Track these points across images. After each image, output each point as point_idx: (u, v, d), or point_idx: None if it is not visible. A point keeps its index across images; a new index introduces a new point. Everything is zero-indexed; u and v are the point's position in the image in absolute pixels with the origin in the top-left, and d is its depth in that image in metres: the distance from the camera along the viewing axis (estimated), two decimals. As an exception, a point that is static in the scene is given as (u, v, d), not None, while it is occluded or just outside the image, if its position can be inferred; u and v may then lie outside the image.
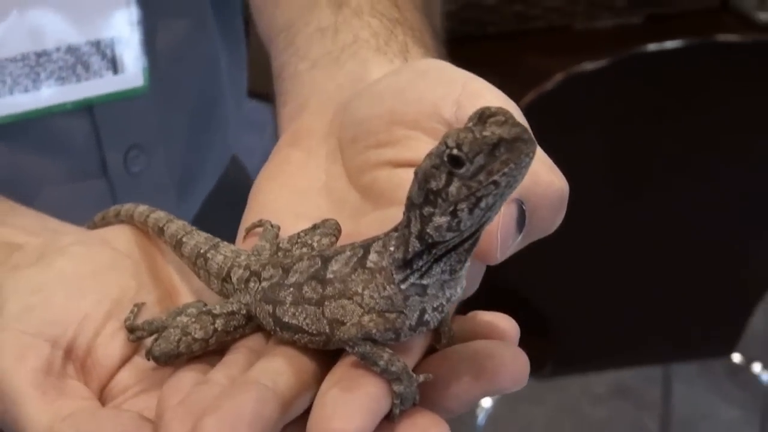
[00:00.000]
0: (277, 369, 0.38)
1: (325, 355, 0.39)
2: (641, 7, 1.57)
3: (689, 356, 1.57)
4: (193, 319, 0.42)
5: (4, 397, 0.42)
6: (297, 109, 0.52)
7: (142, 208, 0.49)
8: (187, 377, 0.40)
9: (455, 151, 0.35)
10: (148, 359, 0.43)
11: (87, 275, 0.46)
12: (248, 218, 0.48)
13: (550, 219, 0.40)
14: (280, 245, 0.44)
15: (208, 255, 0.44)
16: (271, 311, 0.40)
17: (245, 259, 0.44)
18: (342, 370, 0.37)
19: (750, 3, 1.53)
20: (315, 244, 0.43)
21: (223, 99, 0.79)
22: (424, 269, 0.37)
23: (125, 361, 0.44)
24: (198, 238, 0.46)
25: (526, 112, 0.41)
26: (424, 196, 0.36)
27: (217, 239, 0.46)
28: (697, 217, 1.28)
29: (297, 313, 0.39)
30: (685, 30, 1.46)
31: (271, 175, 0.49)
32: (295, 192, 0.48)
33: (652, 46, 1.16)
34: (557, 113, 1.15)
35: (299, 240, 0.44)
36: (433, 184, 0.36)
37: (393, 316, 0.37)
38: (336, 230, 0.43)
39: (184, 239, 0.46)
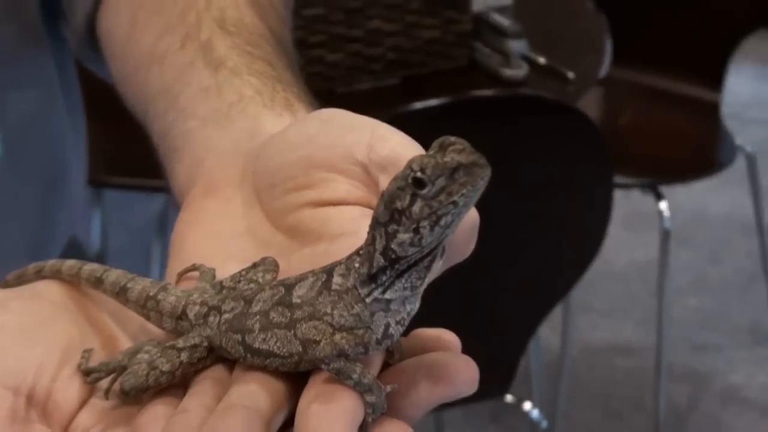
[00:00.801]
0: (254, 391, 0.41)
1: (293, 377, 0.43)
2: (397, 69, 1.65)
3: (467, 399, 1.62)
4: (159, 354, 0.44)
5: None
6: (193, 165, 0.55)
7: (71, 262, 0.50)
8: (159, 409, 0.43)
9: (419, 174, 0.39)
10: (107, 398, 0.45)
11: (32, 327, 0.47)
12: (174, 266, 0.50)
13: (465, 245, 0.44)
14: (224, 284, 0.47)
15: (159, 297, 0.47)
16: (240, 339, 0.43)
17: (198, 296, 0.46)
18: (317, 386, 0.41)
19: (495, 61, 1.65)
20: (260, 280, 0.46)
21: (69, 175, 0.81)
22: (387, 284, 0.41)
23: (83, 403, 0.46)
24: (143, 283, 0.48)
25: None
26: (389, 215, 0.40)
27: (163, 281, 0.48)
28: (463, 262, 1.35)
29: (267, 338, 0.42)
30: (439, 88, 1.55)
31: (191, 223, 0.52)
32: (218, 237, 0.50)
33: (417, 104, 1.23)
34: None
35: (243, 278, 0.47)
36: (398, 204, 0.40)
37: (361, 332, 0.41)
38: (275, 266, 0.46)
39: (128, 285, 0.48)
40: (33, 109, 0.76)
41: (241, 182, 0.52)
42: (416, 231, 0.40)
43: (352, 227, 0.47)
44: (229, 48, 0.60)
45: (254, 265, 0.47)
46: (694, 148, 2.12)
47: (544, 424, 1.63)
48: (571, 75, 1.63)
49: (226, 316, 0.44)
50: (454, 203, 0.39)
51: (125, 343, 0.49)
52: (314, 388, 0.41)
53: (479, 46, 1.70)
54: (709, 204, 2.76)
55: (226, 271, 0.48)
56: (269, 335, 0.43)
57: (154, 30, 0.64)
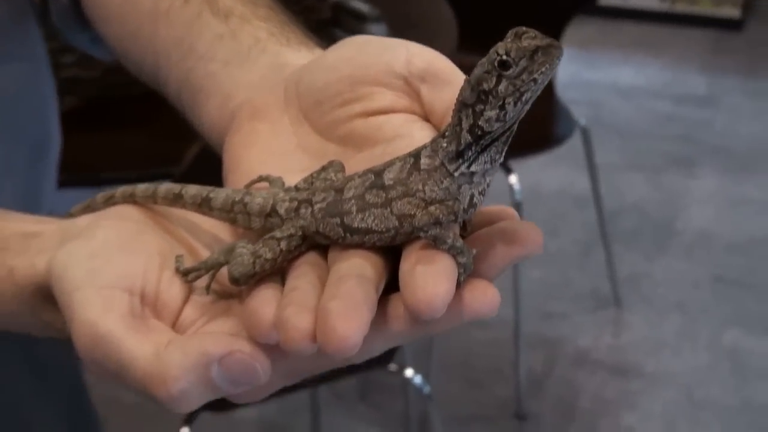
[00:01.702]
0: (359, 264, 0.46)
1: (385, 252, 0.48)
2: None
3: (345, 372, 1.65)
4: (261, 245, 0.49)
5: (101, 343, 0.45)
6: (223, 100, 0.60)
7: (144, 185, 0.54)
8: (267, 293, 0.47)
9: (504, 57, 0.45)
10: (207, 293, 0.50)
11: (128, 239, 0.51)
12: (234, 181, 0.55)
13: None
14: (298, 186, 0.52)
15: (246, 200, 0.52)
16: (339, 222, 0.48)
17: (284, 195, 0.51)
18: (415, 252, 0.46)
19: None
20: (333, 178, 0.51)
21: (51, 145, 0.84)
22: (472, 158, 0.47)
23: (186, 301, 0.50)
24: (225, 192, 0.53)
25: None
26: (476, 96, 0.46)
27: (243, 189, 0.53)
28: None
29: (365, 217, 0.48)
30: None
31: (244, 144, 0.56)
32: (274, 154, 0.55)
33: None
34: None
35: (315, 179, 0.52)
36: (485, 85, 0.46)
37: (451, 202, 0.47)
38: (342, 167, 0.52)
39: (210, 195, 0.53)
40: (22, 80, 0.78)
41: (286, 105, 0.56)
42: (502, 107, 0.46)
43: (403, 130, 0.52)
44: (232, 0, 0.65)
45: (323, 168, 0.52)
46: (535, 123, 2.21)
47: (427, 389, 1.67)
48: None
49: (319, 205, 0.49)
50: (535, 80, 0.46)
51: (204, 252, 0.53)
52: (413, 254, 0.46)
53: (339, 32, 1.73)
54: (543, 180, 2.89)
55: (288, 181, 0.53)
56: (367, 214, 0.48)
57: None
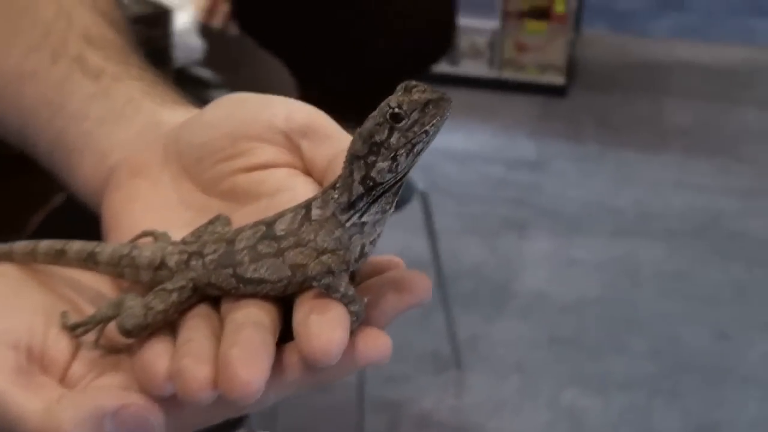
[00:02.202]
0: (254, 312, 0.47)
1: (276, 302, 0.49)
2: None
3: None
4: (152, 297, 0.49)
5: None
6: (99, 159, 0.60)
7: (22, 243, 0.53)
8: (159, 345, 0.47)
9: (397, 110, 0.47)
10: (96, 347, 0.50)
11: (8, 297, 0.50)
12: (116, 239, 0.55)
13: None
14: (185, 240, 0.52)
15: (133, 253, 0.52)
16: (232, 273, 0.49)
17: (173, 248, 0.51)
18: (308, 302, 0.47)
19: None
20: (221, 231, 0.52)
21: None
22: (363, 209, 0.49)
23: (73, 356, 0.49)
24: (112, 246, 0.53)
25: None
26: (368, 148, 0.48)
27: (129, 244, 0.53)
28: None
29: (258, 268, 0.49)
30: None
31: (125, 200, 0.56)
32: (156, 209, 0.55)
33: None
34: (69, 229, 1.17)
35: (203, 232, 0.52)
36: (377, 137, 0.47)
37: (342, 252, 0.48)
38: (229, 221, 0.53)
39: (96, 250, 0.53)
40: None
41: (166, 162, 0.57)
42: (394, 159, 0.47)
43: (286, 184, 0.54)
44: (104, 59, 0.65)
45: (210, 222, 0.53)
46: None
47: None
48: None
49: (210, 257, 0.50)
50: (426, 132, 0.47)
51: (87, 308, 0.53)
52: (306, 303, 0.47)
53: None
54: (380, 245, 2.90)
55: (173, 236, 0.53)
56: (260, 264, 0.49)
57: (16, 51, 0.67)
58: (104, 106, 0.62)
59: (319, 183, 0.54)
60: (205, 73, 1.75)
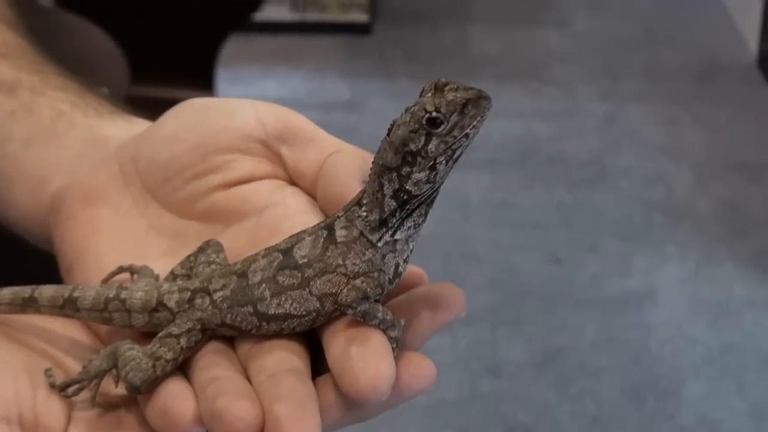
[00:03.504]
0: (285, 357, 0.42)
1: (302, 337, 0.44)
2: None
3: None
4: (157, 344, 0.44)
5: None
6: (34, 184, 0.52)
7: None
8: (176, 386, 0.42)
9: (434, 114, 0.42)
10: (93, 406, 0.44)
11: None
12: (82, 278, 0.47)
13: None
14: (175, 273, 0.46)
15: (122, 295, 0.45)
16: (252, 311, 0.44)
17: (169, 285, 0.45)
18: (342, 332, 0.42)
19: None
20: (217, 260, 0.46)
21: None
22: (396, 225, 0.44)
23: (68, 420, 0.44)
24: (95, 288, 0.46)
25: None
26: (401, 158, 0.42)
27: (114, 284, 0.46)
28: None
29: (282, 302, 0.43)
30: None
31: (85, 233, 0.49)
32: (124, 240, 0.48)
33: None
34: None
35: (194, 263, 0.46)
36: (412, 146, 0.42)
37: (376, 274, 0.43)
38: (221, 247, 0.46)
39: (75, 294, 0.45)
40: None
41: (125, 185, 0.50)
42: (432, 168, 0.43)
43: (274, 198, 0.48)
44: (15, 69, 0.57)
45: (200, 250, 0.47)
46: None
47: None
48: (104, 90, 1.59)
49: (220, 294, 0.44)
50: (467, 135, 0.43)
51: (66, 360, 0.47)
52: (340, 335, 0.42)
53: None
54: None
55: (153, 270, 0.47)
56: (284, 298, 0.44)
57: None
58: (28, 124, 0.54)
59: (309, 193, 0.48)
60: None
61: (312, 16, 4.00)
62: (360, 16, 3.99)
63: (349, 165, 0.48)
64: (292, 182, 0.50)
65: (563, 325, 2.39)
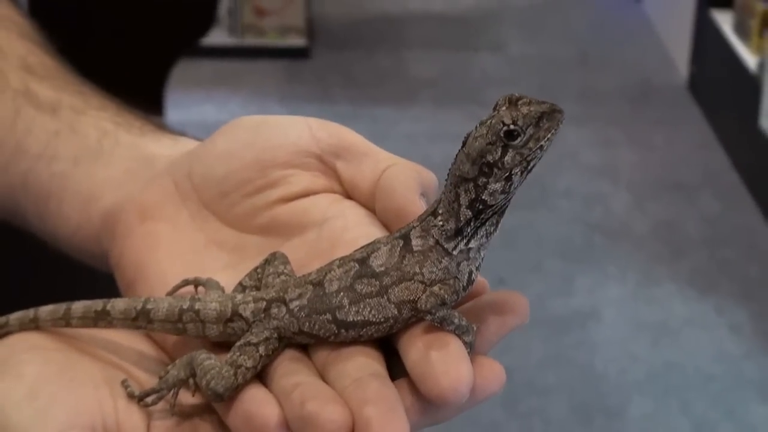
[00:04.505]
0: (365, 362, 0.44)
1: (376, 344, 0.46)
2: None
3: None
4: (238, 352, 0.45)
5: None
6: (83, 201, 0.53)
7: (49, 307, 0.46)
8: (257, 392, 0.43)
9: (512, 126, 0.44)
10: (172, 414, 0.45)
11: (65, 371, 0.44)
12: (144, 292, 0.48)
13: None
14: (244, 284, 0.48)
15: (197, 306, 0.46)
16: (330, 318, 0.45)
17: (243, 296, 0.46)
18: (420, 338, 0.43)
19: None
20: (285, 270, 0.47)
21: None
22: (470, 234, 0.46)
23: (148, 428, 0.44)
24: (168, 300, 0.47)
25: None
26: (478, 169, 0.44)
27: (186, 295, 0.47)
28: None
29: (361, 309, 0.45)
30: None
31: (144, 249, 0.49)
32: (184, 254, 0.49)
33: None
34: None
35: (261, 274, 0.47)
36: (489, 158, 0.44)
37: (452, 281, 0.45)
38: (286, 258, 0.48)
39: (148, 306, 0.46)
40: None
41: (181, 200, 0.51)
42: (508, 179, 0.44)
43: (333, 211, 0.49)
44: (56, 90, 0.58)
45: (267, 262, 0.48)
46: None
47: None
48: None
49: (296, 303, 0.46)
50: (541, 147, 0.44)
51: (135, 371, 0.47)
52: (418, 340, 0.44)
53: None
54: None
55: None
56: (362, 306, 0.45)
57: None
58: (74, 143, 0.55)
59: (366, 206, 0.50)
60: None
61: (250, 40, 4.00)
62: (298, 41, 4.00)
63: (406, 178, 0.50)
64: (348, 196, 0.51)
65: (509, 345, 2.41)
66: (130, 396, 0.45)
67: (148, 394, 0.46)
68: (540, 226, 2.87)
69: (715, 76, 3.43)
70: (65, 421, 0.42)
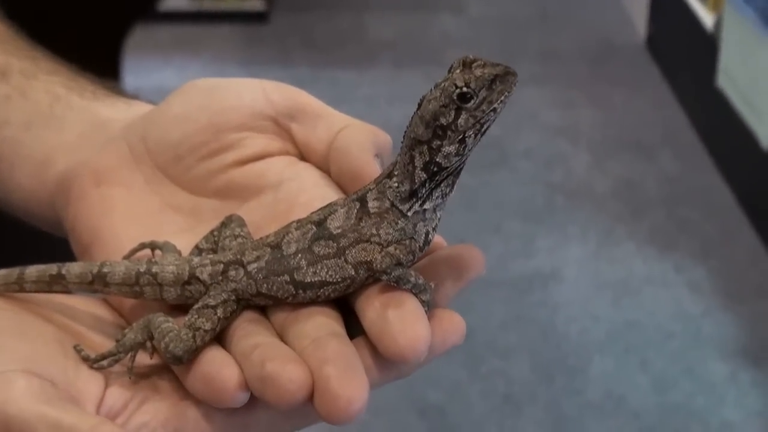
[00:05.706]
0: (324, 322, 0.44)
1: (334, 305, 0.46)
2: None
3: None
4: (195, 315, 0.45)
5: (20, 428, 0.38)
6: (37, 166, 0.52)
7: (3, 271, 0.46)
8: (216, 354, 0.43)
9: (465, 89, 0.44)
10: (130, 378, 0.44)
11: (15, 327, 0.43)
12: (100, 256, 0.48)
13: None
14: (200, 247, 0.48)
15: (153, 269, 0.46)
16: (288, 279, 0.46)
17: (199, 259, 0.46)
18: (376, 297, 0.44)
19: None
20: (243, 234, 0.48)
21: None
22: (425, 196, 0.46)
23: (104, 388, 0.44)
24: (124, 263, 0.46)
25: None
26: (431, 132, 0.45)
27: (143, 259, 0.47)
28: None
29: (318, 271, 0.46)
30: None
31: (99, 213, 0.49)
32: (139, 218, 0.49)
33: None
34: None
35: (218, 237, 0.47)
36: (443, 120, 0.44)
37: (407, 242, 0.46)
38: (243, 221, 0.48)
39: (104, 270, 0.46)
40: None
41: (136, 164, 0.51)
42: (462, 141, 0.45)
43: (288, 173, 0.49)
44: (5, 54, 0.57)
45: (223, 225, 0.48)
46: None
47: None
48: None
49: (254, 265, 0.46)
50: (495, 110, 0.45)
51: (91, 335, 0.47)
52: (374, 299, 0.44)
53: None
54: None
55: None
56: (320, 267, 0.46)
57: None
58: (25, 108, 0.54)
59: (321, 168, 0.50)
60: None
61: (209, 5, 3.97)
62: (256, 5, 3.97)
63: (361, 140, 0.50)
64: (303, 158, 0.51)
65: (471, 306, 2.43)
66: (85, 359, 0.45)
67: (104, 357, 0.46)
68: (500, 187, 2.89)
69: (673, 35, 3.44)
70: (7, 366, 0.41)
